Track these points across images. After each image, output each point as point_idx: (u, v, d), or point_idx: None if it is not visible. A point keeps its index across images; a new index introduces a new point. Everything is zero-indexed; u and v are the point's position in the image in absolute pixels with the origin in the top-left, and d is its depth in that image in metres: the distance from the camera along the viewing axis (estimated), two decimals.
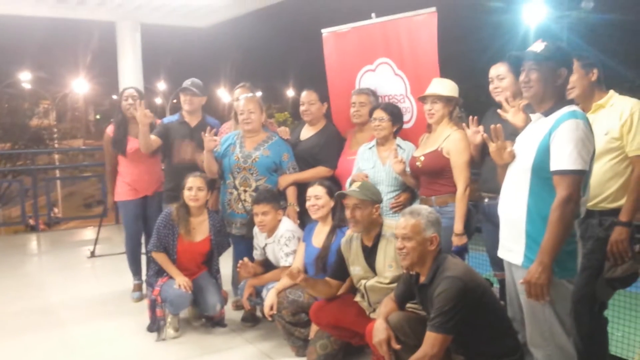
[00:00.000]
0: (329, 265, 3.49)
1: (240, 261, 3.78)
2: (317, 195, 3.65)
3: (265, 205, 3.79)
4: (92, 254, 6.40)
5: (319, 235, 3.69)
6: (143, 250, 4.87)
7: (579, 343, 2.84)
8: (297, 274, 3.17)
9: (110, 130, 4.69)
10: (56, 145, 21.87)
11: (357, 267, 3.29)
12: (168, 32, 9.42)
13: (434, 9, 3.76)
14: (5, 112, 21.06)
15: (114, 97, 4.58)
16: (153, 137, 4.43)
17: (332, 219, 3.66)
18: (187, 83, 4.54)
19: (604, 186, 2.86)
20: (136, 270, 4.87)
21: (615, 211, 2.83)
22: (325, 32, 4.53)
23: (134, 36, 7.85)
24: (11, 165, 18.92)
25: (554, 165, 2.35)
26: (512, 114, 3.07)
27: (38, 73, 25.54)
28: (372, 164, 3.78)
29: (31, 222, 11.45)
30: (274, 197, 3.90)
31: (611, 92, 2.96)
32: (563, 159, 2.32)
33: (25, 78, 25.20)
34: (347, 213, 3.21)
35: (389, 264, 3.15)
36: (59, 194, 23.75)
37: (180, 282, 3.89)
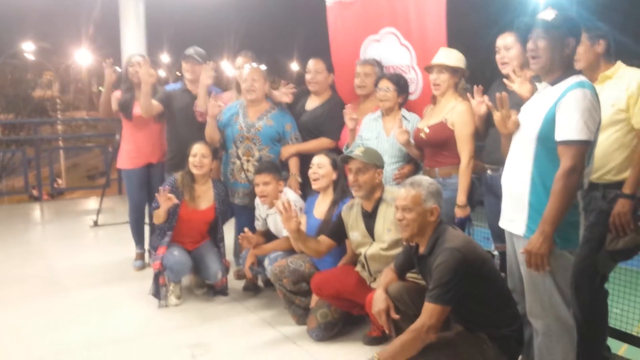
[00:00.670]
0: None
1: (242, 234, 3.79)
2: (320, 164, 3.63)
3: (267, 176, 3.79)
4: (95, 224, 6.44)
5: (320, 206, 3.69)
6: (146, 220, 4.89)
7: (579, 314, 2.85)
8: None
9: (118, 94, 4.65)
10: (59, 117, 21.83)
11: (355, 233, 3.29)
12: (172, 3, 9.30)
13: None
14: (9, 83, 20.97)
15: (118, 68, 4.54)
16: (155, 102, 4.39)
17: (334, 192, 3.65)
18: (189, 51, 4.50)
19: (609, 158, 2.83)
20: (139, 240, 4.89)
21: (619, 184, 2.81)
22: (329, 1, 4.47)
23: (137, 6, 7.74)
24: (14, 135, 18.92)
25: (560, 135, 2.33)
26: (518, 84, 3.03)
27: (41, 44, 25.36)
28: (375, 134, 3.76)
29: (34, 192, 11.50)
30: (276, 168, 3.90)
31: (618, 63, 2.92)
32: (569, 128, 2.30)
33: (28, 49, 25.02)
34: (350, 177, 3.21)
35: (388, 227, 3.15)
36: (62, 165, 23.78)
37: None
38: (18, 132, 18.47)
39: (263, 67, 4.22)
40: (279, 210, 3.24)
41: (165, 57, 29.96)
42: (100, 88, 4.53)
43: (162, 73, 23.99)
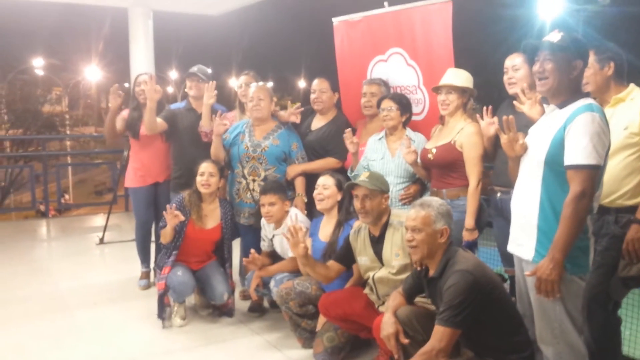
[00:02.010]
0: None
1: (245, 258, 3.77)
2: (325, 185, 3.61)
3: (273, 196, 3.76)
4: (101, 241, 6.41)
5: (325, 228, 3.66)
6: (153, 238, 4.87)
7: (591, 342, 2.79)
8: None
9: (124, 114, 4.66)
10: (68, 132, 21.96)
11: (364, 258, 3.25)
12: (180, 20, 9.39)
13: None
14: (18, 99, 21.15)
15: (126, 85, 4.57)
16: (159, 120, 4.38)
17: (339, 213, 3.62)
18: (193, 69, 4.51)
19: (621, 182, 2.78)
20: (144, 258, 4.86)
21: (632, 208, 2.75)
22: (336, 20, 4.48)
23: (146, 23, 7.81)
24: (23, 150, 19.04)
25: (569, 159, 2.29)
26: (528, 106, 3.01)
27: (51, 60, 25.62)
28: (381, 154, 3.74)
29: (41, 207, 11.53)
30: (281, 188, 3.87)
31: (632, 85, 2.88)
32: (578, 153, 2.27)
33: (38, 64, 25.28)
34: (357, 204, 3.17)
35: (396, 252, 3.12)
36: (70, 181, 23.89)
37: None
38: (27, 147, 18.59)
39: (270, 83, 4.22)
40: (286, 236, 3.21)
41: (173, 74, 30.20)
42: (110, 104, 4.52)
43: (170, 89, 24.18)
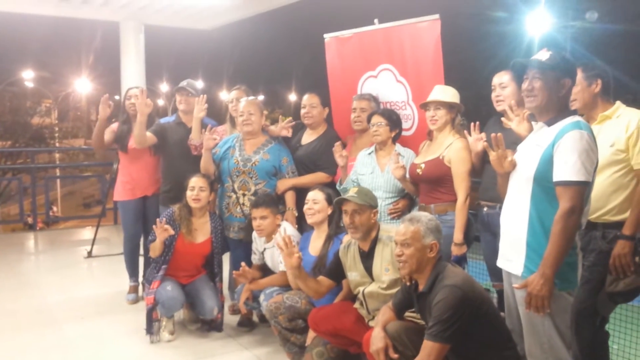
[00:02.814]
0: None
1: (235, 271, 3.76)
2: (315, 200, 3.62)
3: (264, 210, 3.76)
4: (89, 254, 6.36)
5: (315, 242, 3.67)
6: (141, 251, 4.84)
7: (580, 356, 2.81)
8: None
9: (114, 126, 4.66)
10: (57, 144, 21.87)
11: (354, 273, 3.26)
12: (171, 34, 9.42)
13: (437, 16, 3.74)
14: (7, 110, 21.06)
15: (117, 97, 4.59)
16: (149, 134, 4.38)
17: (329, 227, 3.63)
18: (183, 83, 4.52)
19: (608, 199, 2.82)
20: (133, 272, 4.83)
21: (619, 224, 2.79)
22: (327, 37, 4.51)
23: (137, 37, 7.84)
24: (11, 163, 18.91)
25: (557, 176, 2.32)
26: (516, 123, 3.04)
27: (41, 72, 25.52)
28: (370, 169, 3.76)
29: (29, 220, 11.43)
30: (273, 202, 3.88)
31: (618, 103, 2.93)
32: (567, 169, 2.29)
33: (28, 76, 25.17)
34: (346, 219, 3.18)
35: (385, 267, 3.12)
36: (59, 193, 23.74)
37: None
38: (15, 159, 18.48)
39: (262, 97, 4.23)
40: (280, 247, 3.21)
41: (164, 87, 30.20)
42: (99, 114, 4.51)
43: (161, 102, 24.16)
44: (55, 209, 21.24)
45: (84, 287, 5.26)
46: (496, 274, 3.16)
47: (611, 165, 2.81)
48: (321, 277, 3.37)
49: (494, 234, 2.75)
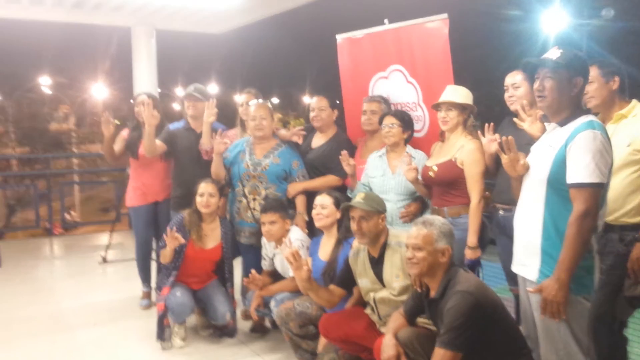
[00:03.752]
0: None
1: (245, 278, 3.74)
2: (323, 205, 3.59)
3: (273, 215, 3.73)
4: (104, 260, 6.39)
5: (325, 247, 3.63)
6: (153, 256, 4.84)
7: None
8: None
9: (125, 132, 4.66)
10: (74, 150, 22.08)
11: (364, 280, 3.21)
12: (183, 38, 9.43)
13: (445, 15, 3.68)
14: (25, 117, 21.32)
15: (132, 101, 4.63)
16: (158, 142, 4.37)
17: (338, 231, 3.59)
18: (190, 89, 4.50)
19: (625, 200, 2.75)
20: (145, 278, 4.83)
21: (637, 226, 2.72)
22: (339, 37, 4.47)
23: (149, 42, 7.85)
24: (29, 169, 19.12)
25: (571, 178, 2.25)
26: (528, 123, 2.97)
27: (57, 78, 25.81)
28: (381, 172, 3.71)
29: (47, 225, 11.52)
30: (282, 207, 3.84)
31: (634, 101, 2.86)
32: (580, 171, 2.23)
33: (45, 83, 25.48)
34: (353, 225, 3.13)
35: (396, 274, 3.07)
36: (77, 198, 23.95)
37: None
38: (33, 165, 18.68)
39: (275, 100, 4.21)
40: (289, 260, 3.17)
41: (179, 91, 30.37)
42: (117, 121, 4.51)
43: (176, 106, 24.31)
44: (73, 213, 21.43)
45: (98, 292, 5.28)
46: (514, 278, 3.08)
47: (628, 165, 2.73)
48: (332, 286, 3.33)
49: (510, 237, 2.68)
